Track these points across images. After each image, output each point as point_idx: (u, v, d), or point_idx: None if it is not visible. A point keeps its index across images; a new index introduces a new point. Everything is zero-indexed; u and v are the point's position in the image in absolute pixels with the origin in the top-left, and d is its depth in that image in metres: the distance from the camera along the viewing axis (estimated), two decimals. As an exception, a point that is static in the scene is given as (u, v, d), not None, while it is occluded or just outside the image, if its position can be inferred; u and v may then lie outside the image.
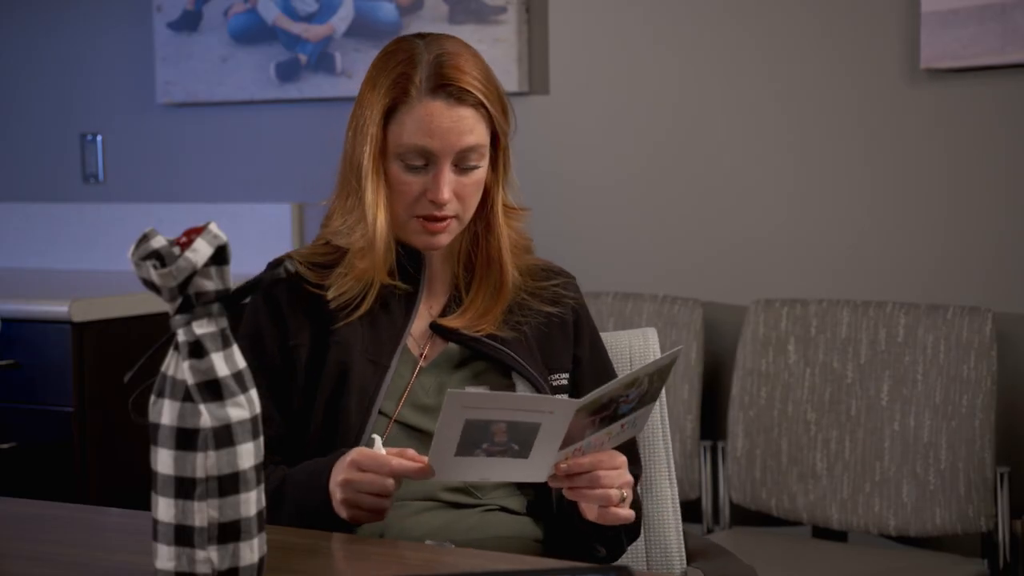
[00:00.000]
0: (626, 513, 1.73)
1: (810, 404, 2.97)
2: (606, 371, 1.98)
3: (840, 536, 3.00)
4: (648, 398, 1.69)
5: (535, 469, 1.66)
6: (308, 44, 3.63)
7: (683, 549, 2.05)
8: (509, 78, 3.35)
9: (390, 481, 1.66)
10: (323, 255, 1.90)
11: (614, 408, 1.66)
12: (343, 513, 1.69)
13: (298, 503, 1.75)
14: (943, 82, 2.95)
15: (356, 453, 1.68)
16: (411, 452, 1.66)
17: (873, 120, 3.04)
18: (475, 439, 1.59)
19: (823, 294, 3.06)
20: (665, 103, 3.26)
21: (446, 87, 1.82)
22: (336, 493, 1.69)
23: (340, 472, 1.69)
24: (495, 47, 3.36)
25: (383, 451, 1.68)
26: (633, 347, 2.11)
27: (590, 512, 1.74)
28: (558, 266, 2.01)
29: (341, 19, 3.58)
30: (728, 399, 3.07)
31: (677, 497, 2.07)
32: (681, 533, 2.05)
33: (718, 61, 3.19)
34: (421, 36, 1.88)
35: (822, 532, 3.01)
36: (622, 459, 1.73)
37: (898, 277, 3.03)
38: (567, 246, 3.33)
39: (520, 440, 1.61)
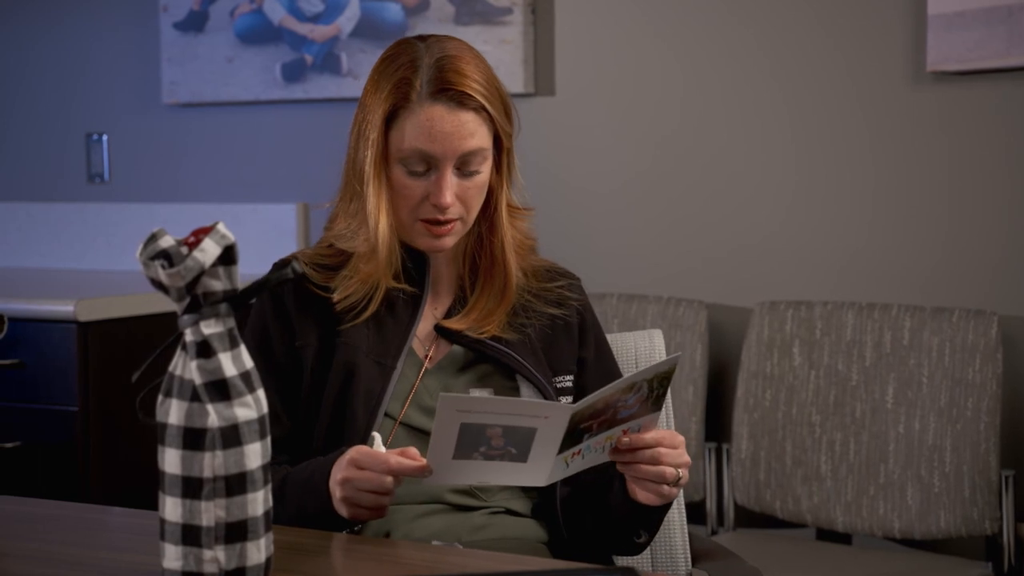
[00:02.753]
0: (669, 490, 1.72)
1: (815, 406, 2.96)
2: (612, 373, 1.98)
3: (844, 539, 3.00)
4: (652, 405, 1.68)
5: (534, 473, 1.65)
6: (314, 44, 3.63)
7: (688, 550, 2.05)
8: (515, 79, 3.35)
9: (389, 479, 1.65)
10: (328, 257, 1.90)
11: (612, 413, 1.65)
12: (343, 511, 1.69)
13: (299, 502, 1.74)
14: (949, 85, 2.95)
15: (354, 451, 1.68)
16: (413, 451, 1.66)
17: (878, 122, 3.04)
18: (472, 442, 1.59)
19: (828, 296, 3.06)
20: (670, 105, 3.26)
21: (447, 91, 1.81)
22: (336, 491, 1.69)
23: (339, 470, 1.68)
24: (501, 48, 3.36)
25: (383, 449, 1.67)
26: (639, 349, 2.10)
27: (639, 491, 1.74)
28: (563, 267, 2.01)
29: (347, 19, 3.58)
30: (733, 401, 3.06)
31: (682, 498, 2.07)
32: (686, 534, 2.06)
33: (724, 63, 3.19)
34: (423, 39, 1.87)
35: (826, 534, 3.01)
36: (681, 439, 1.73)
37: (903, 280, 3.02)
38: (572, 247, 3.33)
39: (517, 444, 1.61)
